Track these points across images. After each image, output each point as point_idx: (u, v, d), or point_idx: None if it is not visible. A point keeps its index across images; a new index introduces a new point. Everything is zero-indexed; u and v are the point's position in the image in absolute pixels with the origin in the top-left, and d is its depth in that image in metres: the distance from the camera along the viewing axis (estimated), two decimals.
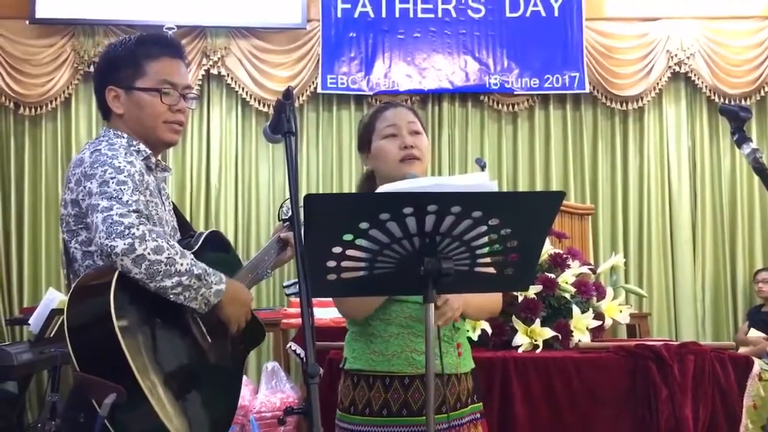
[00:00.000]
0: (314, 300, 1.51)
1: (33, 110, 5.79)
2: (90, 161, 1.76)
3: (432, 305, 1.57)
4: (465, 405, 1.95)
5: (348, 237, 1.49)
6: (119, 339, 1.57)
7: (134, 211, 1.66)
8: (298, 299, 2.87)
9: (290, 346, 3.67)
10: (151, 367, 1.63)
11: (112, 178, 1.71)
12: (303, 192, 1.45)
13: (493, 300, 2.05)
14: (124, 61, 1.89)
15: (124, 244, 1.61)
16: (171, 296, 1.66)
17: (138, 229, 1.63)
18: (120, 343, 1.57)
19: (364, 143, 2.05)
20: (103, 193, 1.69)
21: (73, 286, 1.71)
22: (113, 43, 1.98)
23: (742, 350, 4.53)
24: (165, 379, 1.65)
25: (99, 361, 1.60)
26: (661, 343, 2.92)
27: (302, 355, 3.28)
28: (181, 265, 1.66)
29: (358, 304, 1.91)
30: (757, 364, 2.80)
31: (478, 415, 1.99)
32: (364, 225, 1.48)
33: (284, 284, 5.12)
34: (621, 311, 3.10)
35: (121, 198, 1.68)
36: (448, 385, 1.90)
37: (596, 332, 3.05)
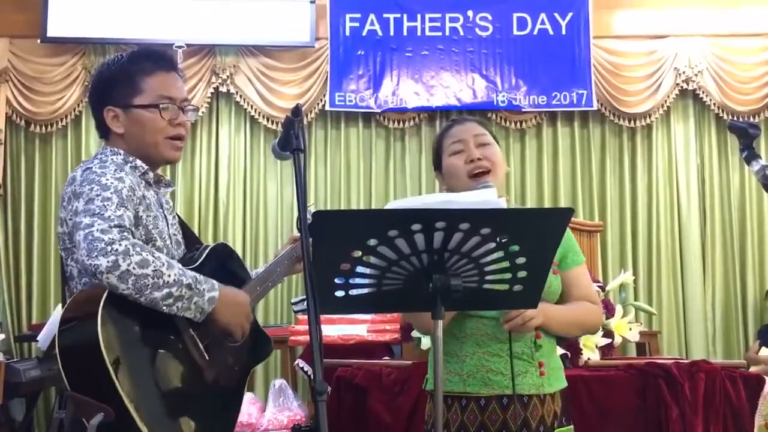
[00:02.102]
0: (322, 317, 1.51)
1: (44, 128, 5.83)
2: (80, 180, 1.75)
3: (440, 322, 1.56)
4: (550, 428, 1.85)
5: (356, 253, 1.49)
6: (106, 361, 1.55)
7: (116, 226, 1.63)
8: (305, 316, 2.88)
9: (298, 364, 3.66)
10: (141, 389, 1.61)
11: (97, 196, 1.69)
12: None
13: (585, 312, 1.93)
14: (119, 80, 1.88)
15: (108, 261, 1.58)
16: (163, 308, 1.64)
17: (120, 245, 1.60)
18: (107, 365, 1.55)
19: (436, 163, 2.04)
20: (87, 210, 1.66)
21: (64, 307, 1.69)
22: (105, 63, 1.95)
23: (753, 369, 4.50)
24: (156, 400, 1.63)
25: (88, 383, 1.59)
26: (672, 361, 2.91)
27: (310, 372, 3.27)
28: (169, 276, 1.63)
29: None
30: None
31: None
32: (372, 242, 1.48)
33: (292, 301, 5.13)
34: (630, 329, 3.09)
35: (103, 214, 1.65)
36: (529, 407, 1.83)
37: (606, 350, 3.04)
